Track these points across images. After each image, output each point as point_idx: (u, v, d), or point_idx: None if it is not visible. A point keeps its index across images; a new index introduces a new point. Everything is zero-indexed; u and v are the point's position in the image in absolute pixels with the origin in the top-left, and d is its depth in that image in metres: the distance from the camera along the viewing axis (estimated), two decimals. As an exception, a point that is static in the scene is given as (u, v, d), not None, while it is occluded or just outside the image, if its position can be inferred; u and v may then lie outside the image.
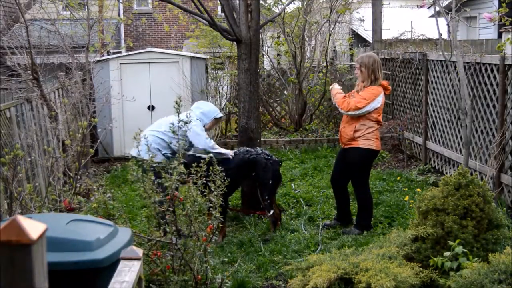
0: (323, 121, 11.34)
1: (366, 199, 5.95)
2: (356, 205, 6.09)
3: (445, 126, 7.91)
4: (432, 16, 12.92)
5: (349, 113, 5.69)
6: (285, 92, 11.49)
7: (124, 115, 9.92)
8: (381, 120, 5.88)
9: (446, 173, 7.69)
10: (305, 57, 11.34)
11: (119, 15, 15.68)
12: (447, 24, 6.52)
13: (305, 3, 11.10)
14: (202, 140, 5.74)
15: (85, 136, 7.08)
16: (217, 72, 10.99)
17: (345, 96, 5.87)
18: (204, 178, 4.29)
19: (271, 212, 5.93)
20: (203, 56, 10.78)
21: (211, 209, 4.22)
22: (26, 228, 1.47)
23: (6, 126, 5.57)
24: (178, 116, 4.42)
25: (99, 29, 10.39)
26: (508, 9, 6.23)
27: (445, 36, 6.79)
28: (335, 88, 6.00)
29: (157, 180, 4.17)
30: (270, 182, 5.91)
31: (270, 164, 5.94)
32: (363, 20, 11.88)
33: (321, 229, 6.02)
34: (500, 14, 6.13)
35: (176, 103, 4.38)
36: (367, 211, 5.94)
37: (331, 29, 11.13)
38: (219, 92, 10.71)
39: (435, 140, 8.31)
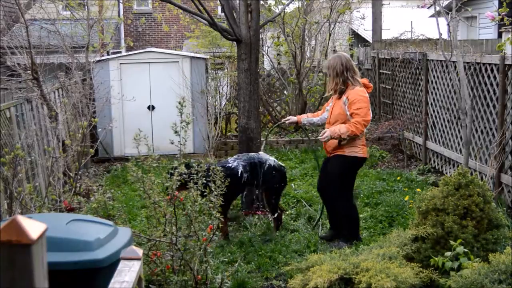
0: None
1: (350, 209, 5.57)
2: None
3: (445, 126, 7.91)
4: (432, 16, 12.91)
5: (365, 130, 5.34)
6: (285, 92, 11.49)
7: (124, 115, 9.92)
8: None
9: (446, 173, 7.69)
10: (305, 57, 11.34)
11: (119, 15, 15.67)
12: (447, 24, 6.52)
13: (305, 3, 11.10)
14: None
15: (85, 136, 7.08)
16: (217, 72, 10.98)
17: (345, 123, 5.33)
18: (204, 179, 4.29)
19: (275, 214, 5.92)
20: (203, 56, 10.78)
21: (210, 209, 4.22)
22: (26, 228, 1.47)
23: (6, 126, 5.56)
24: (181, 117, 4.42)
25: (99, 29, 10.38)
26: (508, 9, 6.22)
27: (445, 36, 6.79)
28: (330, 130, 5.32)
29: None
30: (278, 186, 5.89)
31: (278, 169, 5.90)
32: (364, 18, 11.87)
33: (321, 229, 6.01)
34: (502, 14, 6.12)
35: (180, 103, 4.38)
36: (353, 221, 5.59)
37: (331, 29, 11.13)
38: (219, 92, 10.71)
39: (435, 140, 8.31)
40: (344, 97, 5.39)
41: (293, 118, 6.05)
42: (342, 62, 5.38)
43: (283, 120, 6.23)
